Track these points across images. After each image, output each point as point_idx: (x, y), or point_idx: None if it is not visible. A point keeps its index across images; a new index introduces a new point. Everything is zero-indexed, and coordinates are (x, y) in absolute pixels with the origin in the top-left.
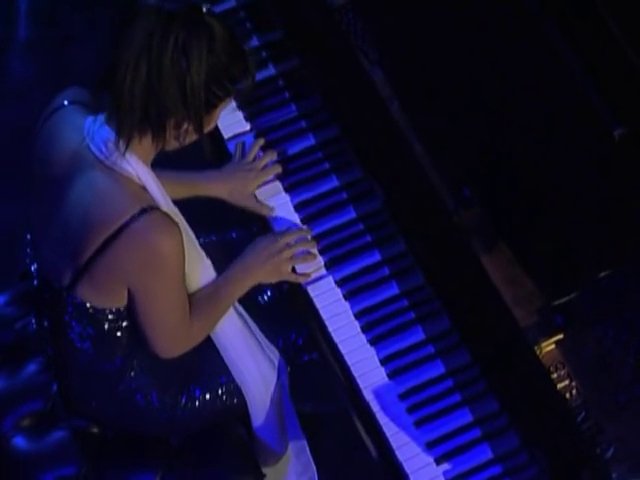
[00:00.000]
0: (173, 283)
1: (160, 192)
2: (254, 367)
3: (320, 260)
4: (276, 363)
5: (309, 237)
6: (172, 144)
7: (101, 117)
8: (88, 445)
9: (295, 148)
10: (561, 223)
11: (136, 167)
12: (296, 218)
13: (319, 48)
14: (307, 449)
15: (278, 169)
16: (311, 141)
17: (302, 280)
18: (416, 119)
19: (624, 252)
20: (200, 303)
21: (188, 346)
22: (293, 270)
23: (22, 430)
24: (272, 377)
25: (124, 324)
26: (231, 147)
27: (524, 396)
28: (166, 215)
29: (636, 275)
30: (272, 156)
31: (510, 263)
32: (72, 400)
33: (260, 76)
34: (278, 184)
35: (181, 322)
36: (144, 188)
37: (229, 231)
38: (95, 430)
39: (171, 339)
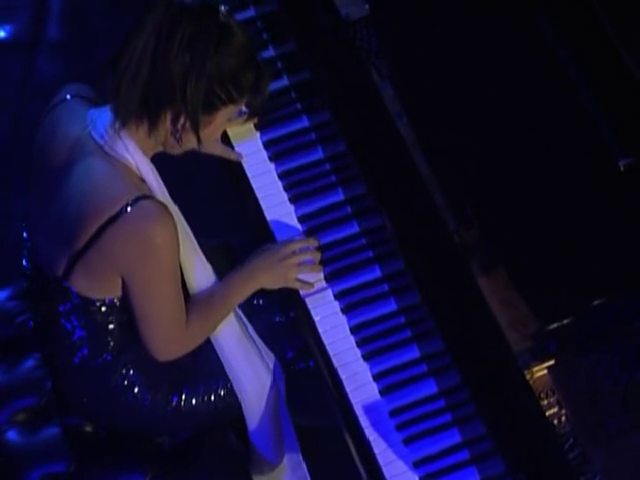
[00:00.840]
0: (166, 274)
1: (158, 183)
2: (250, 371)
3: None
4: (272, 367)
5: (317, 245)
6: (171, 142)
7: (104, 107)
8: (79, 443)
9: (303, 160)
10: (560, 249)
11: (135, 156)
12: (299, 229)
13: (331, 61)
14: (304, 464)
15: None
16: (319, 154)
17: (306, 288)
18: (424, 136)
19: (620, 282)
20: (199, 305)
21: (183, 349)
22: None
23: (15, 424)
24: (268, 381)
25: (117, 317)
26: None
27: (512, 420)
28: (162, 205)
29: (631, 306)
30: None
31: (508, 286)
32: (65, 396)
33: (273, 87)
34: (289, 205)
35: (176, 320)
36: (142, 178)
37: (230, 237)
38: (88, 429)
39: (166, 338)
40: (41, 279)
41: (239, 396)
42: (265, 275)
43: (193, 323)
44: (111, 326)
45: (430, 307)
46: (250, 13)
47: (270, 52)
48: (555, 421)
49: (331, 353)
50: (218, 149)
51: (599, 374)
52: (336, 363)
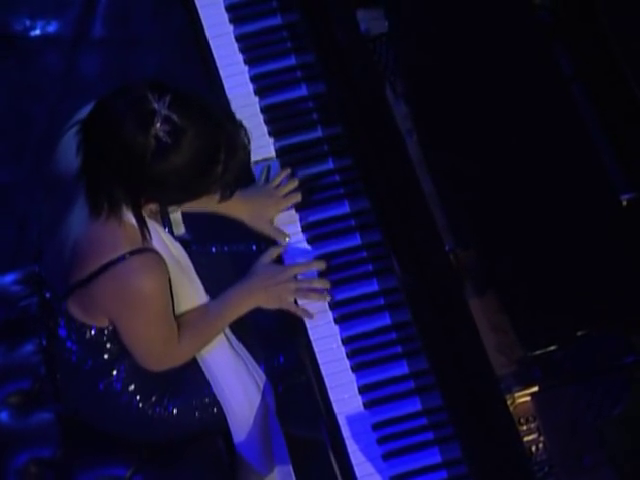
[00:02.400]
0: (153, 321)
1: (155, 234)
2: (238, 386)
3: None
4: (261, 385)
5: (322, 268)
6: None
7: None
8: (68, 431)
9: (313, 170)
10: (552, 277)
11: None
12: (302, 238)
13: (346, 73)
14: (294, 476)
15: (298, 198)
16: (330, 165)
17: (301, 315)
18: (431, 156)
19: (609, 316)
20: (193, 322)
21: (175, 363)
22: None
23: (8, 406)
24: (256, 398)
25: (111, 337)
26: (257, 170)
27: (489, 444)
28: (153, 258)
29: (618, 341)
30: (294, 184)
31: (499, 310)
32: (57, 388)
33: (291, 95)
34: (294, 213)
35: (167, 344)
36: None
37: (240, 244)
38: (78, 419)
39: (157, 358)
40: (45, 286)
41: (223, 408)
42: (262, 294)
43: (186, 338)
44: (105, 344)
45: (418, 324)
46: (277, 20)
47: (291, 60)
48: (533, 447)
49: (320, 361)
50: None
51: (581, 406)
52: (324, 372)
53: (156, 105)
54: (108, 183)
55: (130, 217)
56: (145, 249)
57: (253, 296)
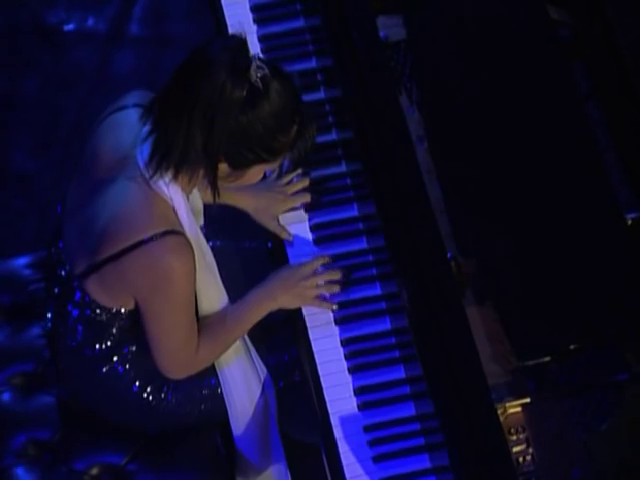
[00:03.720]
0: (178, 306)
1: (189, 219)
2: (239, 374)
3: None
4: (263, 377)
5: (326, 260)
6: (205, 192)
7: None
8: (68, 415)
9: (325, 172)
10: (550, 290)
11: (171, 190)
12: (309, 237)
13: (360, 77)
14: (289, 476)
15: (307, 198)
16: (342, 168)
17: (327, 307)
18: (441, 164)
19: (608, 333)
20: (211, 328)
21: (192, 370)
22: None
23: (11, 387)
24: (257, 391)
25: (119, 324)
26: (268, 171)
27: (475, 451)
28: (185, 243)
29: (610, 358)
30: (304, 184)
31: (497, 319)
32: (59, 373)
33: (310, 98)
34: (302, 212)
35: (186, 344)
36: (174, 210)
37: (245, 240)
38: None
39: (175, 360)
40: (62, 265)
41: (226, 401)
42: (284, 295)
43: (204, 346)
44: (112, 329)
45: (413, 327)
46: (299, 23)
47: (312, 63)
48: (521, 458)
49: (318, 361)
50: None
51: (572, 420)
52: (321, 371)
53: (251, 55)
54: (189, 132)
55: (171, 194)
56: (177, 232)
57: (274, 299)
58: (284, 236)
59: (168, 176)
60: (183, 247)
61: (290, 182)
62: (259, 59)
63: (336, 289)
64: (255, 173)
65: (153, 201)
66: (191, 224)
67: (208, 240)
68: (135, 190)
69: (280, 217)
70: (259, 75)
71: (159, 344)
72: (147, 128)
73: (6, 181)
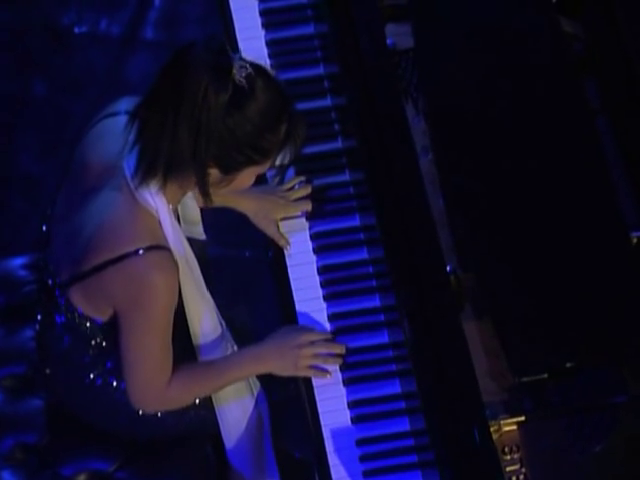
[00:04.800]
0: (155, 326)
1: (173, 233)
2: (232, 387)
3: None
4: (255, 391)
5: (343, 351)
6: (198, 197)
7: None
8: (57, 420)
9: (328, 180)
10: (550, 308)
11: (157, 202)
12: (309, 246)
13: (366, 85)
14: None
15: (308, 206)
16: (346, 177)
17: (320, 377)
18: (445, 176)
19: (607, 353)
20: (192, 369)
21: (161, 405)
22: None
23: (1, 389)
24: (250, 406)
25: (103, 334)
26: (270, 174)
27: (469, 471)
28: (170, 258)
29: (613, 381)
30: (307, 191)
31: (496, 335)
32: (47, 380)
33: (315, 105)
34: (303, 220)
35: (158, 373)
36: (160, 224)
37: (244, 249)
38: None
39: (145, 389)
40: (47, 271)
41: (217, 411)
42: (277, 361)
43: (178, 383)
44: (94, 342)
45: (409, 341)
46: (309, 29)
47: (320, 69)
48: (513, 478)
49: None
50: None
51: (567, 441)
52: (315, 383)
53: (232, 55)
54: (175, 138)
55: (157, 205)
56: (162, 247)
57: (265, 362)
58: (282, 243)
59: (155, 186)
60: (167, 263)
61: (292, 189)
62: (241, 58)
63: (333, 362)
64: (246, 177)
65: (138, 213)
66: (176, 238)
67: (208, 248)
68: (121, 202)
69: (280, 224)
70: (243, 74)
71: (132, 369)
72: (132, 137)
73: (10, 183)
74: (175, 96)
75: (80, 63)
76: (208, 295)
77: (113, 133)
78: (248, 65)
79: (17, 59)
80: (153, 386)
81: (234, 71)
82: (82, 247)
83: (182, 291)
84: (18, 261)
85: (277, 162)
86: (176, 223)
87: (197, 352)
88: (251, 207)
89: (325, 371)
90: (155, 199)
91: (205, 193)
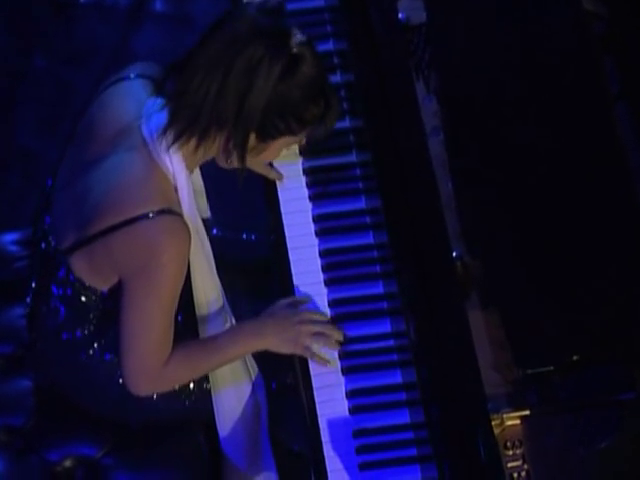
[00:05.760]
0: (161, 297)
1: (189, 198)
2: (228, 369)
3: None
4: (253, 376)
5: (341, 337)
6: (220, 159)
7: (162, 101)
8: (44, 403)
9: (334, 160)
10: (559, 299)
11: (176, 166)
12: (311, 229)
13: (377, 61)
14: None
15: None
16: (352, 158)
17: (317, 361)
18: (456, 159)
19: (615, 347)
20: (189, 346)
21: (157, 385)
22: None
23: None
24: (247, 391)
25: (101, 308)
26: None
27: (468, 465)
28: (182, 224)
29: (622, 377)
30: None
31: (501, 325)
32: (38, 357)
33: None
34: (306, 202)
35: (156, 349)
36: (176, 188)
37: (247, 232)
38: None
39: (141, 366)
40: (46, 240)
41: (213, 397)
42: (275, 336)
43: (175, 362)
44: (93, 313)
45: (410, 328)
46: (319, 2)
47: (329, 45)
48: (515, 474)
49: (310, 359)
50: (260, 167)
51: (572, 438)
52: (313, 371)
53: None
54: (220, 100)
55: (175, 169)
56: (175, 212)
57: (263, 337)
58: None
59: (178, 149)
60: (179, 229)
61: None
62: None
63: (332, 346)
64: (277, 147)
65: (154, 174)
66: (191, 206)
67: (211, 229)
68: (136, 162)
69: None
70: (297, 42)
71: (130, 342)
72: (159, 99)
73: (7, 158)
74: (226, 58)
75: (84, 35)
76: (215, 273)
77: (127, 96)
78: (300, 33)
79: (17, 29)
80: (150, 364)
81: (292, 37)
82: (90, 210)
83: (191, 262)
84: (10, 237)
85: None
86: (192, 190)
87: (200, 329)
88: None
89: (323, 358)
90: (174, 163)
91: (242, 158)
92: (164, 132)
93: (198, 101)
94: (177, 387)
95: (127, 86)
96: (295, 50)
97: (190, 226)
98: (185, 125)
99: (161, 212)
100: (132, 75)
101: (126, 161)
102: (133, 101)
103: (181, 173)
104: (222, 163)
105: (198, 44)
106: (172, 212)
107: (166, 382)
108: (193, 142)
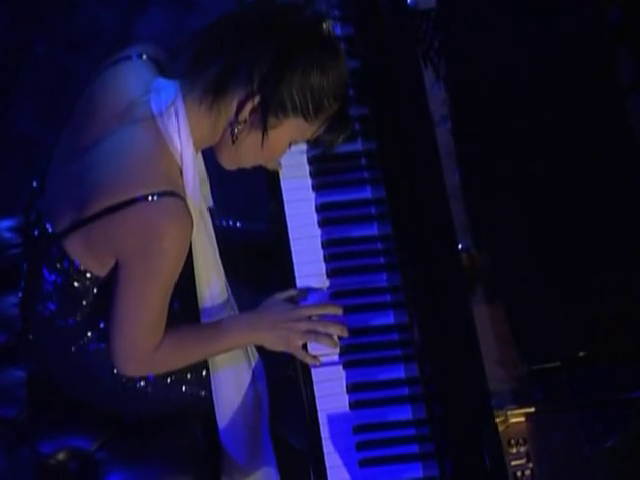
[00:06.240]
0: (158, 281)
1: (193, 180)
2: (228, 362)
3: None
4: (253, 365)
5: (339, 313)
6: (225, 140)
7: (173, 81)
8: (38, 394)
9: (338, 148)
10: (570, 295)
11: (184, 142)
12: (314, 219)
13: (383, 47)
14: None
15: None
16: (358, 146)
17: (310, 362)
18: (462, 147)
19: (626, 346)
20: (182, 332)
21: (145, 368)
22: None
23: None
24: (246, 379)
25: (97, 294)
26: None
27: (469, 463)
28: (184, 208)
29: (631, 376)
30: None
31: (507, 320)
32: (30, 346)
33: None
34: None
35: (149, 333)
36: (181, 169)
37: (251, 222)
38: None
39: (131, 347)
40: (39, 225)
41: (212, 385)
42: (268, 332)
43: (166, 347)
44: (87, 300)
45: (413, 320)
46: None
47: (336, 31)
48: (518, 473)
49: (310, 351)
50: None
51: (578, 437)
52: (312, 365)
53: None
54: (254, 63)
55: (183, 145)
56: (177, 194)
57: (256, 332)
58: (308, 360)
59: (183, 117)
60: (182, 213)
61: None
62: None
63: (326, 342)
64: (286, 135)
65: (160, 153)
66: (195, 188)
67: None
68: (142, 137)
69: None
70: (332, 32)
71: (122, 324)
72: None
73: (5, 144)
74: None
75: (87, 20)
76: (218, 256)
77: (130, 75)
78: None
79: (16, 12)
80: (141, 347)
81: (327, 26)
82: (89, 189)
83: (193, 247)
84: (5, 223)
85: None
86: (196, 171)
87: (201, 316)
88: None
89: (315, 358)
90: (182, 137)
91: (265, 120)
92: (174, 102)
93: (218, 59)
94: (174, 377)
95: (130, 65)
96: (333, 39)
97: (193, 210)
98: (199, 82)
99: (164, 194)
100: (134, 55)
101: (131, 137)
102: (137, 80)
103: (188, 151)
104: (225, 151)
105: (236, 14)
106: (175, 195)
107: (156, 366)
108: (205, 109)
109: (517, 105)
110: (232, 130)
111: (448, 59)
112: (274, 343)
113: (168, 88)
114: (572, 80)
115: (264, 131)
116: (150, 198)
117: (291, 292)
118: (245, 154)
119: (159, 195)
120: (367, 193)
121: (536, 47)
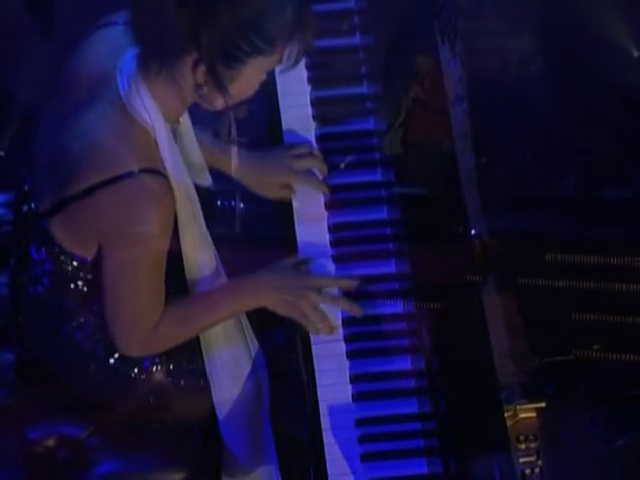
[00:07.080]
0: (145, 260)
1: (171, 154)
2: (227, 350)
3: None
4: (253, 354)
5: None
6: (201, 99)
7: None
8: (27, 378)
9: (349, 127)
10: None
11: (153, 116)
12: (320, 200)
13: (399, 22)
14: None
15: (324, 189)
16: (369, 124)
17: (314, 332)
18: (479, 129)
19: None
20: (180, 305)
21: (146, 348)
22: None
23: None
24: (246, 368)
25: (88, 276)
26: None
27: (476, 459)
28: (165, 184)
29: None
30: (316, 162)
31: (519, 312)
32: (20, 328)
33: (343, 42)
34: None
35: (146, 312)
36: (156, 143)
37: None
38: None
39: (130, 329)
40: (27, 203)
41: (210, 376)
42: (273, 294)
43: (166, 323)
44: (78, 282)
45: (424, 316)
46: None
47: (351, 4)
48: (527, 471)
49: (313, 340)
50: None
51: (590, 434)
52: (315, 352)
53: None
54: (171, 20)
55: (153, 120)
56: (157, 171)
57: (263, 295)
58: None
59: (145, 91)
60: (162, 189)
61: (300, 156)
62: None
63: (334, 327)
64: (253, 73)
65: (132, 130)
66: (175, 162)
67: (214, 199)
68: (112, 116)
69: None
70: None
71: (115, 308)
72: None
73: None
74: None
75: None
76: (206, 231)
77: (106, 42)
78: None
79: None
80: (139, 327)
81: None
82: (67, 170)
83: (179, 223)
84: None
85: (286, 60)
86: (174, 145)
87: (191, 292)
88: (252, 176)
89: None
90: (150, 112)
91: (219, 86)
92: (134, 77)
93: (156, 24)
94: (171, 367)
95: (109, 31)
96: None
97: (174, 182)
98: (149, 52)
99: (142, 171)
100: (120, 21)
101: (104, 116)
102: (115, 48)
103: (159, 124)
104: (204, 103)
105: None
106: (154, 171)
107: (158, 343)
108: (163, 79)
109: (537, 84)
110: (199, 93)
111: (465, 35)
112: (280, 306)
113: (129, 62)
114: (593, 60)
115: (224, 90)
116: (129, 176)
117: (296, 259)
118: (224, 103)
119: (138, 172)
120: (377, 175)
121: (556, 27)
